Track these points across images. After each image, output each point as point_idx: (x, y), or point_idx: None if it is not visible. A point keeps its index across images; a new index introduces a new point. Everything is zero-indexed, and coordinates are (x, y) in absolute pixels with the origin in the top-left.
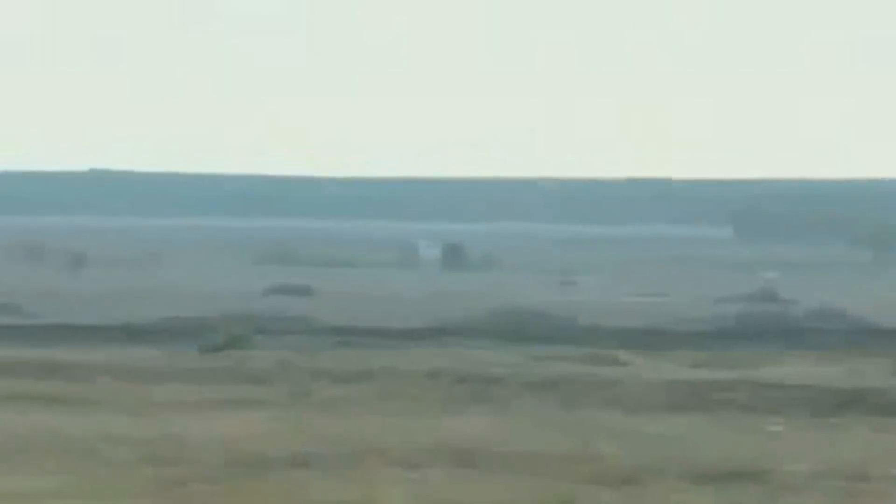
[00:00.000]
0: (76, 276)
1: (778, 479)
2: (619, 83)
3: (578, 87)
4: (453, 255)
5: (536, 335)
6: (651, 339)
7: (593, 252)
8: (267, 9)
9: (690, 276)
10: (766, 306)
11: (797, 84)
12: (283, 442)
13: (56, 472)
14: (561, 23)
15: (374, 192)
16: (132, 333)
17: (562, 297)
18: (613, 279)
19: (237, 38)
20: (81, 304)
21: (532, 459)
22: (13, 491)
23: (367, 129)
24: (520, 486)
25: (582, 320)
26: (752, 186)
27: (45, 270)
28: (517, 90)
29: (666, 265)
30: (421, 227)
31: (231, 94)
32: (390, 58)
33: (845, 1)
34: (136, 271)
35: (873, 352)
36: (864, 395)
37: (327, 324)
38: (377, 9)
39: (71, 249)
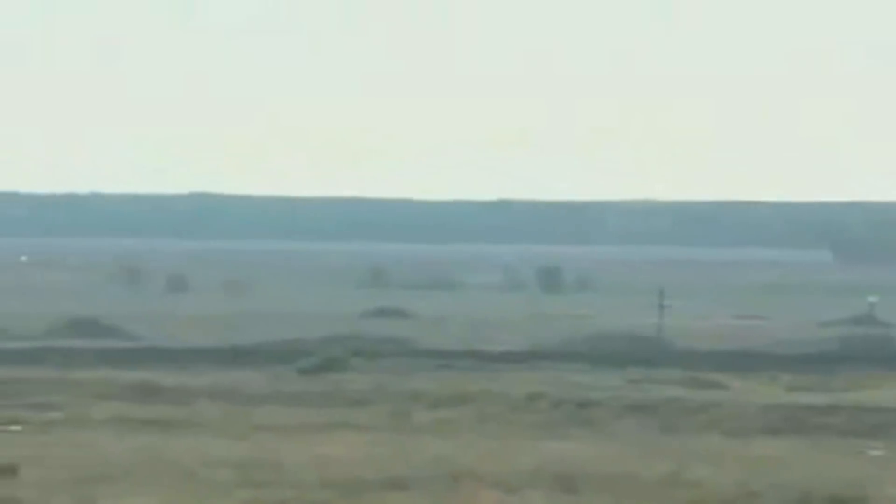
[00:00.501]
0: (176, 299)
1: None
2: (714, 106)
3: (673, 110)
4: (550, 278)
5: (633, 358)
6: (749, 363)
7: (689, 275)
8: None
9: (788, 300)
10: (867, 330)
11: None
12: (381, 464)
13: (157, 493)
14: (656, 48)
15: (469, 214)
16: (232, 356)
17: (658, 320)
18: (709, 302)
19: (328, 67)
20: (182, 327)
21: (630, 483)
22: None
23: (460, 152)
24: None
25: (679, 343)
26: (847, 209)
27: (145, 293)
28: (608, 115)
29: (762, 288)
30: (516, 250)
31: (327, 119)
32: (484, 86)
33: None
34: (236, 294)
35: None
36: None
37: (425, 347)
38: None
39: (171, 272)
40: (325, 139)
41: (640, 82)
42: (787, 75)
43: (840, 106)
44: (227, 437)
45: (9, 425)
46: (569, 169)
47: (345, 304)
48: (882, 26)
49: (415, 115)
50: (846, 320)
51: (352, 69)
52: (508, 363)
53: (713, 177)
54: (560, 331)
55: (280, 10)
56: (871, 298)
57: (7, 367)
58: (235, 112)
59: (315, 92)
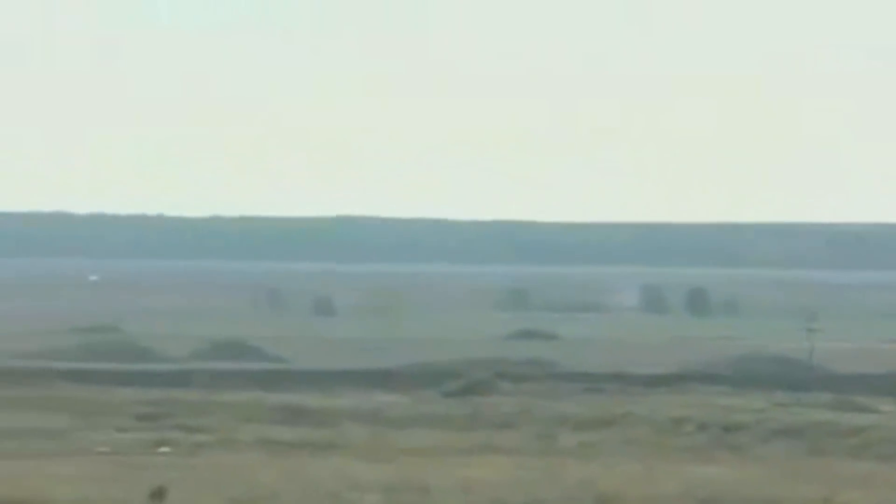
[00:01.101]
0: (321, 321)
1: None
2: (864, 130)
3: (820, 131)
4: (696, 301)
5: (780, 381)
6: None
7: (838, 298)
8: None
9: None
10: None
11: None
12: (526, 488)
13: None
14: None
15: (613, 236)
16: (376, 379)
17: (807, 343)
18: (859, 326)
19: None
20: (327, 349)
21: None
22: None
23: (606, 174)
24: None
25: (828, 367)
26: None
27: (290, 316)
28: (757, 139)
29: None
30: (662, 272)
31: (467, 142)
32: (640, 111)
33: None
34: (381, 317)
35: None
36: None
37: (570, 369)
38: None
39: (316, 295)
40: (471, 162)
41: (788, 105)
42: None
43: None
44: (373, 461)
45: (158, 447)
46: (718, 191)
47: (488, 326)
48: None
49: (557, 138)
50: None
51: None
52: (654, 386)
53: (864, 199)
54: (706, 353)
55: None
56: None
57: (155, 388)
58: (383, 136)
59: (455, 115)
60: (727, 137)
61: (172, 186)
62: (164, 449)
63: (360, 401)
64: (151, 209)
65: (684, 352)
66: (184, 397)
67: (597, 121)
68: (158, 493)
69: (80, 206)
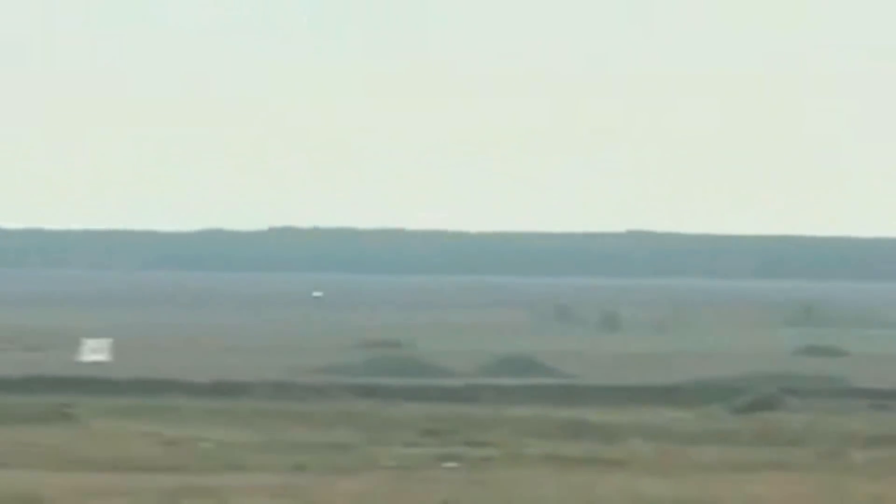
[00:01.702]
0: (608, 336)
1: None
2: None
3: None
4: None
5: None
6: None
7: None
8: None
9: None
10: None
11: None
12: None
13: None
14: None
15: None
16: (663, 394)
17: None
18: None
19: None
20: (612, 364)
21: None
22: None
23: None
24: None
25: None
26: None
27: (576, 331)
28: None
29: None
30: None
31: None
32: None
33: None
34: (667, 332)
35: None
36: None
37: (859, 385)
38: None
39: (603, 310)
40: (760, 178)
41: None
42: None
43: None
44: (660, 477)
45: (444, 462)
46: None
47: (775, 341)
48: None
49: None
50: None
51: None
52: None
53: None
54: None
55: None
56: None
57: (441, 404)
58: (687, 150)
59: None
60: None
61: (458, 202)
62: (450, 464)
63: (646, 416)
64: (442, 225)
65: None
66: (470, 412)
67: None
68: None
69: (366, 220)
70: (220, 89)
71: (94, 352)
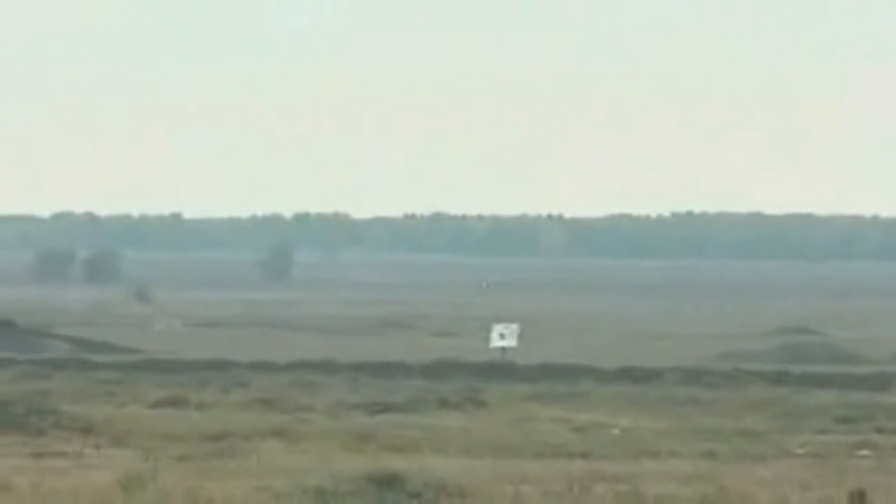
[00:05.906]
0: None
1: None
2: None
3: None
4: None
5: None
6: None
7: None
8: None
9: None
10: None
11: None
12: None
13: None
14: None
15: None
16: None
17: None
18: None
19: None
20: None
21: None
22: None
23: None
24: None
25: None
26: None
27: None
28: None
29: None
30: None
31: None
32: None
33: None
34: None
35: None
36: None
37: None
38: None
39: None
40: None
41: None
42: None
43: None
44: None
45: (858, 450)
46: None
47: None
48: None
49: None
50: None
51: None
52: None
53: None
54: None
55: None
56: None
57: (856, 391)
58: None
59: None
60: None
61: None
62: (863, 452)
63: None
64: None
65: None
66: (884, 400)
67: None
68: (858, 496)
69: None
70: None
71: (503, 337)
